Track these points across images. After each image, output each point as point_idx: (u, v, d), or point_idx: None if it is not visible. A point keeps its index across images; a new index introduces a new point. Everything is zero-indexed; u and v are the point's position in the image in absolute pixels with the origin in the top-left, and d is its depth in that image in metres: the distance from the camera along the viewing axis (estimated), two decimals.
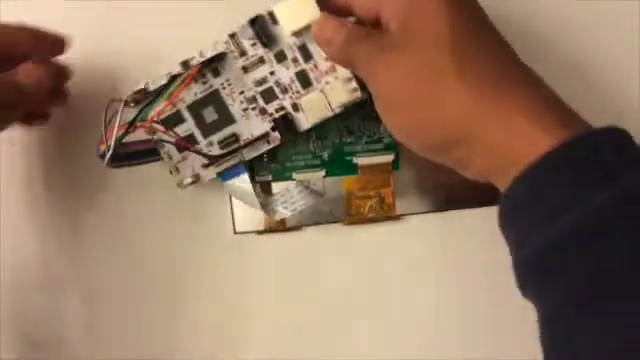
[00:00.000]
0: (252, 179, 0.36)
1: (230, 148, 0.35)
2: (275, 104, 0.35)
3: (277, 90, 0.35)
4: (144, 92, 0.33)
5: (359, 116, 0.37)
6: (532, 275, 0.27)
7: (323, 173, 0.38)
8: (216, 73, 0.34)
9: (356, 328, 0.39)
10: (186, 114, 0.35)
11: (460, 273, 0.39)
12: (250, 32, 0.34)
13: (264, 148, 0.36)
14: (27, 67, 0.32)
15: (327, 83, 0.34)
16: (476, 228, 0.38)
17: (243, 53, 0.34)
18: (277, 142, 0.35)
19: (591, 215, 0.24)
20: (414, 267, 0.39)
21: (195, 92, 0.35)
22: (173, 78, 0.33)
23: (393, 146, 0.38)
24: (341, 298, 0.39)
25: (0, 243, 0.38)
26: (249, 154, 0.36)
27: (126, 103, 0.32)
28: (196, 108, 0.35)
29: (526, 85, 0.28)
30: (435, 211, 0.39)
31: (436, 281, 0.39)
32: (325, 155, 0.38)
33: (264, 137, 0.35)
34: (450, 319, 0.39)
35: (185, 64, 0.33)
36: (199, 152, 0.34)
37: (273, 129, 0.35)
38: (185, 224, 0.38)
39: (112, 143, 0.32)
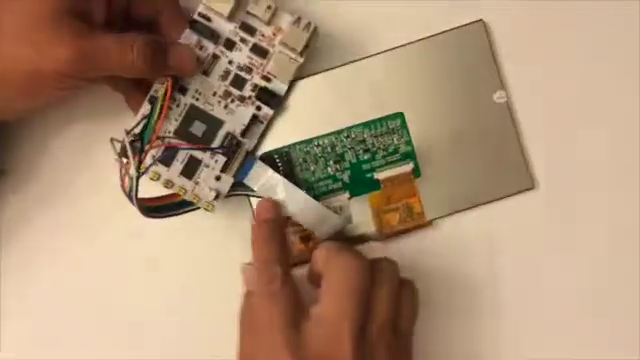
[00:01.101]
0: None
1: (232, 145, 0.35)
2: (248, 86, 0.36)
3: (243, 74, 0.36)
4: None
5: (370, 133, 0.37)
6: None
7: (347, 195, 0.37)
8: (183, 90, 0.36)
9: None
10: (177, 141, 0.35)
11: (504, 263, 0.38)
12: (194, 37, 0.35)
13: (260, 129, 0.36)
14: (185, 51, 0.34)
15: (280, 42, 0.35)
16: (506, 220, 0.38)
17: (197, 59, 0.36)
18: (269, 117, 0.36)
19: None
20: (459, 269, 0.38)
21: (175, 118, 0.35)
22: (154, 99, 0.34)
23: (410, 154, 0.37)
24: None
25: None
26: (251, 143, 0.36)
27: (127, 133, 0.33)
28: (183, 130, 0.35)
29: None
30: (464, 209, 0.38)
31: (484, 277, 0.38)
32: (345, 177, 0.37)
33: (255, 120, 0.36)
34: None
35: (150, 98, 0.35)
36: (211, 149, 0.34)
37: (258, 108, 0.36)
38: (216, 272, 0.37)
39: (134, 175, 0.32)
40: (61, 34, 0.31)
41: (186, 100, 0.35)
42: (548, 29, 0.38)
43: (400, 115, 0.37)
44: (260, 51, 0.36)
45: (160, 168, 0.35)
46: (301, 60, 0.36)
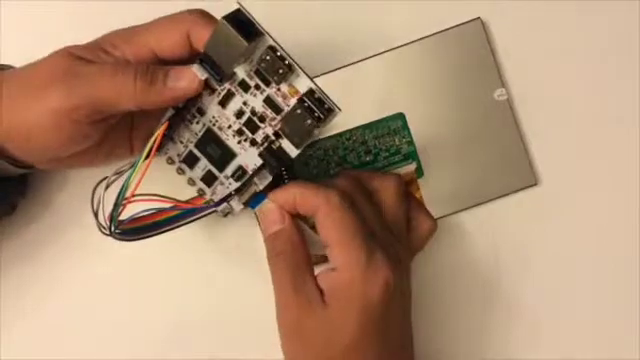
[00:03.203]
0: None
1: (242, 180, 0.34)
2: (261, 133, 0.32)
3: (256, 119, 0.32)
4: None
5: (372, 134, 0.37)
6: None
7: None
8: (201, 112, 0.33)
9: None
10: (197, 153, 0.34)
11: (510, 260, 0.38)
12: (205, 73, 0.31)
13: (271, 176, 0.33)
14: (184, 71, 0.31)
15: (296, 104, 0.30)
16: (509, 217, 0.38)
17: (213, 90, 0.32)
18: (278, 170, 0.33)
19: None
20: (463, 266, 0.38)
21: (195, 132, 0.34)
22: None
23: (412, 154, 0.37)
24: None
25: None
26: (262, 183, 0.34)
27: (108, 186, 0.32)
28: (202, 146, 0.34)
29: None
30: (468, 207, 0.37)
31: (488, 273, 0.38)
32: None
33: (265, 166, 0.33)
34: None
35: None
36: (200, 212, 0.34)
37: None
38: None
39: (109, 225, 0.32)
40: (58, 78, 0.30)
41: (205, 120, 0.33)
42: (546, 26, 0.38)
43: (401, 116, 0.37)
44: (274, 106, 0.31)
45: (184, 167, 0.35)
46: (316, 133, 0.30)
